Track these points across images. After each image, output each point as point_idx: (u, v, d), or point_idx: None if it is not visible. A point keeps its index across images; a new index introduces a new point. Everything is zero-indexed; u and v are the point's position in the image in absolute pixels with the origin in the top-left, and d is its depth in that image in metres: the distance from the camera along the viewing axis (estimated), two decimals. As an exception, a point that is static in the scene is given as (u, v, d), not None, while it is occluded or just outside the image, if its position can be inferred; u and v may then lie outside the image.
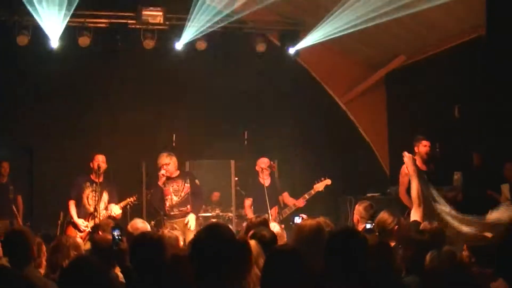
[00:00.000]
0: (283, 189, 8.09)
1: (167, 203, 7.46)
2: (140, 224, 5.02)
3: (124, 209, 7.74)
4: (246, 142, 8.50)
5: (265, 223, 4.76)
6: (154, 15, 9.12)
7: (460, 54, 8.45)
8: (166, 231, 4.81)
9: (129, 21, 9.11)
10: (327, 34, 8.77)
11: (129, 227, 5.05)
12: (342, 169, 9.67)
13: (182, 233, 5.19)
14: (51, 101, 9.50)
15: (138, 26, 9.11)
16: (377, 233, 4.47)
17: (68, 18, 8.55)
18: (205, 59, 9.52)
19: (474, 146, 8.00)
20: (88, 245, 5.87)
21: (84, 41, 8.90)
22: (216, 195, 9.92)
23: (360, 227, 4.93)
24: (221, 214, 8.92)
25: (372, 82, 10.34)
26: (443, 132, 8.48)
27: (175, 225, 6.25)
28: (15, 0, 8.40)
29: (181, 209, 7.47)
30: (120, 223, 6.55)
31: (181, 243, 4.74)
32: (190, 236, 6.36)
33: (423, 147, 7.39)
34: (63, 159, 9.20)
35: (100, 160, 7.55)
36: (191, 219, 7.34)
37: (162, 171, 7.39)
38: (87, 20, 8.95)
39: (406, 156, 5.47)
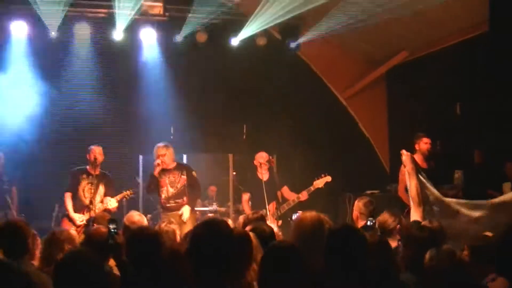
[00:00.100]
0: (282, 183, 7.92)
1: (163, 195, 7.36)
2: (137, 217, 4.97)
3: (120, 202, 7.66)
4: (245, 136, 8.44)
5: (262, 219, 4.70)
6: (154, 6, 9.06)
7: (461, 52, 8.43)
8: (163, 225, 4.76)
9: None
10: (328, 28, 8.70)
11: (125, 220, 5.00)
12: (341, 165, 9.60)
13: (179, 227, 5.12)
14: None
15: (137, 17, 9.01)
16: (378, 234, 4.43)
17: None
18: (205, 52, 9.45)
19: (475, 144, 7.97)
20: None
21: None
22: (212, 190, 9.87)
23: (360, 224, 4.89)
24: (218, 208, 8.86)
25: (373, 78, 10.30)
26: (444, 130, 8.44)
27: (172, 219, 6.17)
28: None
29: (177, 200, 7.34)
30: (115, 216, 6.47)
31: (178, 237, 4.69)
32: (185, 228, 6.30)
33: (424, 144, 7.39)
34: (59, 151, 9.11)
35: (96, 152, 7.43)
36: (185, 211, 7.21)
37: (158, 161, 7.32)
38: (87, 10, 8.90)
39: (404, 155, 5.45)
